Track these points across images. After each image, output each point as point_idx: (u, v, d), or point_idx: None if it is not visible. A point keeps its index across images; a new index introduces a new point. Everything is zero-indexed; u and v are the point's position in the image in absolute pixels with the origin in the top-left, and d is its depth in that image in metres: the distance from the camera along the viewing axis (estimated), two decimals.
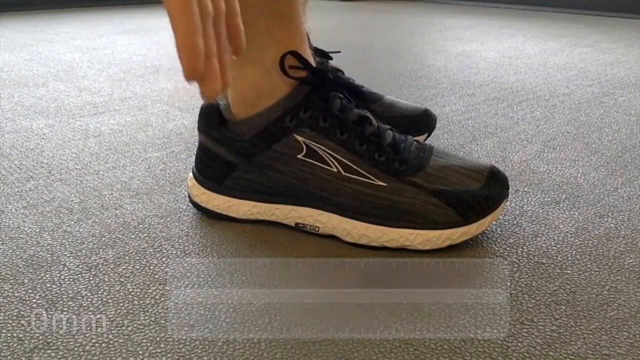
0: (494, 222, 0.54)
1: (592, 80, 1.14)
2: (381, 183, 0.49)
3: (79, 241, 0.51)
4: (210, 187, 0.54)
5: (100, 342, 0.38)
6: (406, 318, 0.41)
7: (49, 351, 0.37)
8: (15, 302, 0.42)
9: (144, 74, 1.16)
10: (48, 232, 0.52)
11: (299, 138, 0.50)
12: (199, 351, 0.37)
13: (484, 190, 0.50)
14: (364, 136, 0.50)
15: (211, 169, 0.54)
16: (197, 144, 0.57)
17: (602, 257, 0.49)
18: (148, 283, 0.45)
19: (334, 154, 0.50)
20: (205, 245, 0.50)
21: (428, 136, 0.75)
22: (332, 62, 0.76)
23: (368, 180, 0.49)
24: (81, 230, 0.53)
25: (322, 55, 0.74)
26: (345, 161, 0.49)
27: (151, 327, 0.40)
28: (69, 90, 1.03)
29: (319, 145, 0.50)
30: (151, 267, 0.47)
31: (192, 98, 0.99)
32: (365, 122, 0.51)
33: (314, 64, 0.51)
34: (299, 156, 0.50)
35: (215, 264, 0.48)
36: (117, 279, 0.45)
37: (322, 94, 0.51)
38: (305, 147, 0.50)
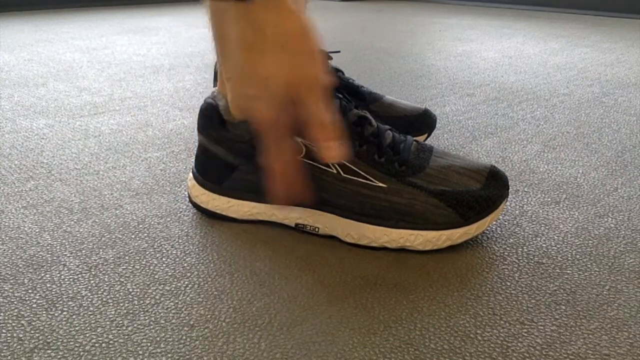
0: (494, 222, 0.54)
1: (592, 80, 1.14)
2: (381, 184, 0.49)
3: (79, 241, 0.51)
4: (210, 187, 0.54)
5: (100, 342, 0.38)
6: (406, 318, 0.41)
7: (49, 351, 0.37)
8: (15, 302, 0.42)
9: (144, 74, 1.16)
10: (48, 232, 0.52)
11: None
12: (199, 351, 0.37)
13: (484, 191, 0.50)
14: (364, 137, 0.50)
15: (211, 170, 0.54)
16: (197, 144, 0.57)
17: (602, 257, 0.49)
18: (148, 283, 0.45)
19: None
20: (205, 245, 0.50)
21: (428, 136, 0.75)
22: (332, 62, 0.76)
23: (368, 182, 0.49)
24: (81, 230, 0.53)
25: None
26: (345, 162, 0.49)
27: (151, 327, 0.40)
28: (69, 90, 1.04)
29: None
30: (151, 267, 0.47)
31: (192, 98, 0.99)
32: (365, 122, 0.51)
33: None
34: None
35: (215, 264, 0.48)
36: (117, 279, 0.45)
37: None
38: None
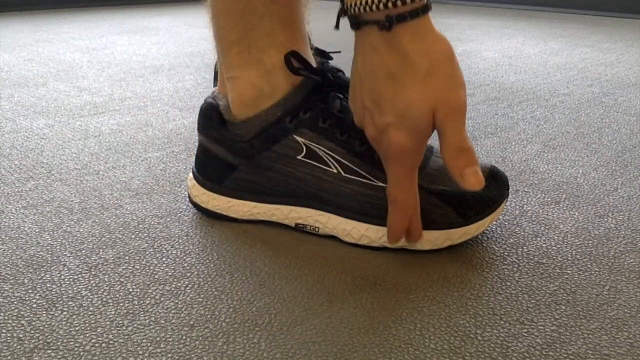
0: (494, 222, 0.54)
1: (592, 80, 1.14)
2: (381, 184, 0.49)
3: (79, 241, 0.51)
4: (210, 187, 0.54)
5: (100, 342, 0.38)
6: (406, 318, 0.41)
7: (49, 351, 0.37)
8: (15, 302, 0.42)
9: (144, 74, 1.16)
10: (48, 232, 0.52)
11: (299, 139, 0.50)
12: (199, 351, 0.37)
13: (484, 191, 0.50)
14: (364, 137, 0.50)
15: (211, 170, 0.54)
16: (197, 144, 0.57)
17: (602, 257, 0.49)
18: (148, 283, 0.45)
19: (334, 155, 0.50)
20: (205, 245, 0.50)
21: None
22: (332, 62, 0.76)
23: (368, 181, 0.49)
24: (81, 230, 0.53)
25: (323, 55, 0.73)
26: (345, 162, 0.49)
27: (151, 327, 0.40)
28: (69, 90, 1.04)
29: (318, 146, 0.50)
30: (151, 267, 0.47)
31: (192, 98, 0.99)
32: None
33: (314, 65, 0.51)
34: (299, 157, 0.50)
35: (215, 264, 0.48)
36: (117, 279, 0.45)
37: (321, 94, 0.51)
38: (305, 148, 0.50)
